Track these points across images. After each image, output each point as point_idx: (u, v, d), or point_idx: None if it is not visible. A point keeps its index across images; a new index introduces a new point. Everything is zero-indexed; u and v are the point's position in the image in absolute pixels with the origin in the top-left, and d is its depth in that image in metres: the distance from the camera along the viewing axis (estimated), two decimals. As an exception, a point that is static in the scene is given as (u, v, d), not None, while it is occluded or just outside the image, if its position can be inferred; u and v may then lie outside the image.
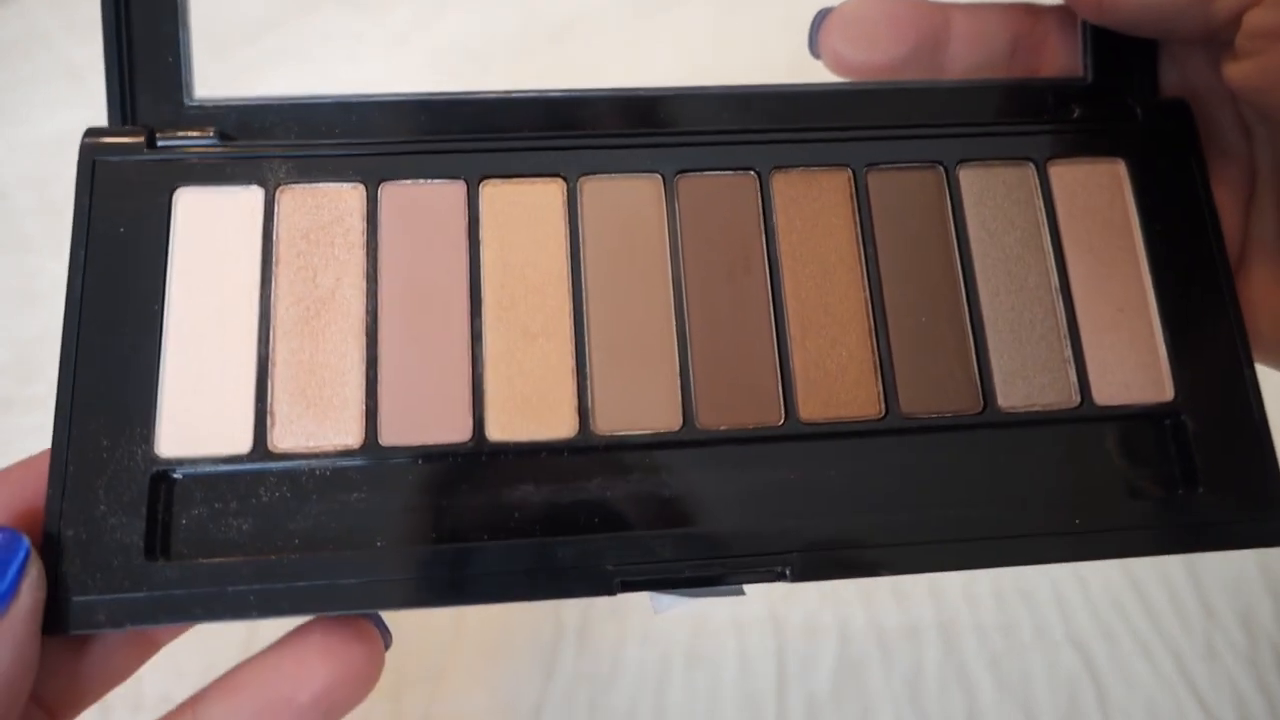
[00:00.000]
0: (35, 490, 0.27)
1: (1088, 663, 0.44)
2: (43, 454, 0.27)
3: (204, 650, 0.35)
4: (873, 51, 0.33)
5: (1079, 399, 0.30)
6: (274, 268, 0.29)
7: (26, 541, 0.25)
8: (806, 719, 0.42)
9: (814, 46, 0.33)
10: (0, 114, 0.51)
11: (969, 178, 0.32)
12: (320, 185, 0.30)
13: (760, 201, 0.31)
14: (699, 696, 0.42)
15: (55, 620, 0.26)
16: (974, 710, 0.43)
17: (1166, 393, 0.30)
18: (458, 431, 0.28)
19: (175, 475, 0.27)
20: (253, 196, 0.30)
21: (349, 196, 0.30)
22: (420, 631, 0.43)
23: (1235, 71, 0.29)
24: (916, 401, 0.30)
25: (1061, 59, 0.34)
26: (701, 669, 0.43)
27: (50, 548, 0.26)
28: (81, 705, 0.28)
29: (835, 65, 0.33)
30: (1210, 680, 0.44)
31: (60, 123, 0.50)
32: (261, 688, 0.27)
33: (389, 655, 0.28)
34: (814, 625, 0.44)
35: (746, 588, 0.28)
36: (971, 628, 0.45)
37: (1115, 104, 0.33)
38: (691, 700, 0.42)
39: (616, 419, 0.29)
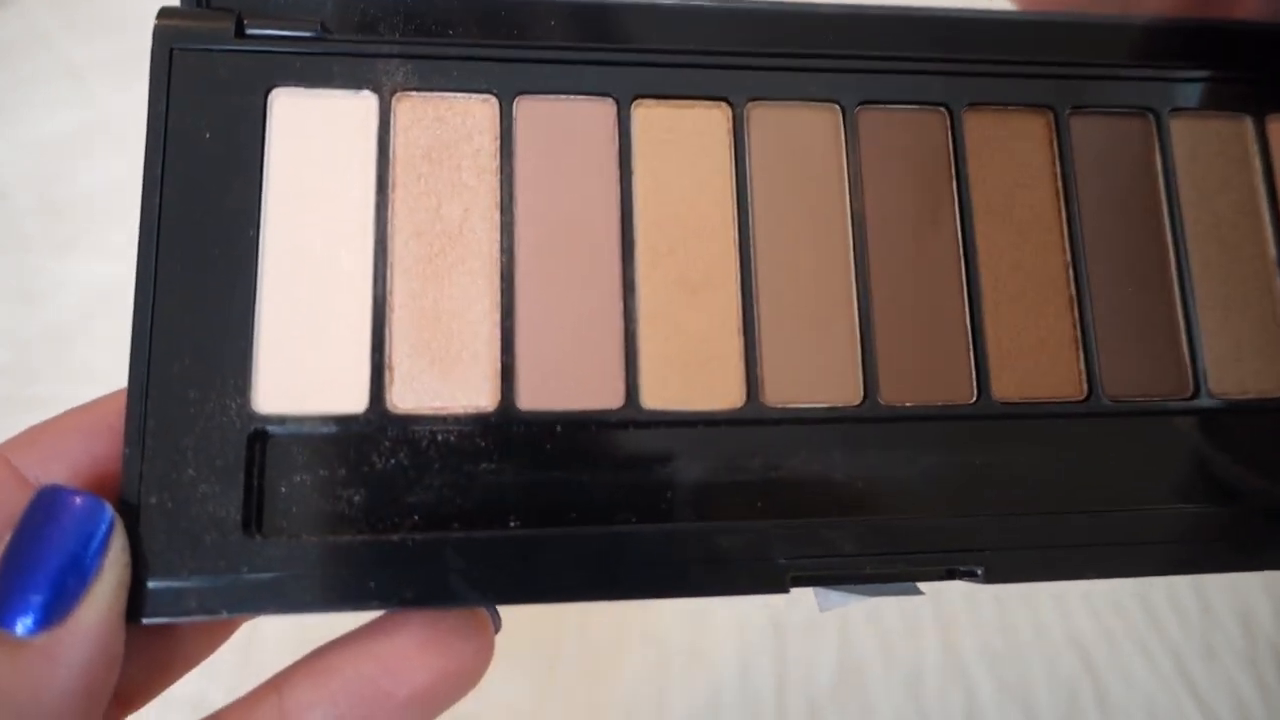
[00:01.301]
0: (110, 447, 0.22)
1: (1087, 663, 0.43)
2: (114, 397, 0.23)
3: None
4: None
5: (1298, 387, 0.27)
6: (390, 192, 0.25)
7: (110, 510, 0.20)
8: (807, 719, 0.41)
9: None
10: (0, 114, 0.50)
11: (1182, 129, 0.28)
12: (445, 95, 0.25)
13: (951, 143, 0.27)
14: (699, 696, 0.42)
15: (135, 606, 0.21)
16: (974, 710, 0.42)
17: (1390, 385, 0.27)
18: (607, 397, 0.24)
19: (276, 434, 0.23)
20: (364, 104, 0.25)
21: (479, 111, 0.25)
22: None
23: None
24: (1122, 383, 0.26)
25: (1264, 2, 0.30)
26: (701, 669, 0.42)
27: (129, 520, 0.22)
28: (151, 694, 0.24)
29: (1024, 4, 0.29)
30: (1209, 680, 0.44)
31: (60, 123, 0.49)
32: (355, 676, 0.22)
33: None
34: (814, 625, 0.44)
35: (924, 586, 0.25)
36: (971, 628, 0.44)
37: (1337, 53, 0.29)
38: (691, 700, 0.42)
39: (788, 389, 0.25)
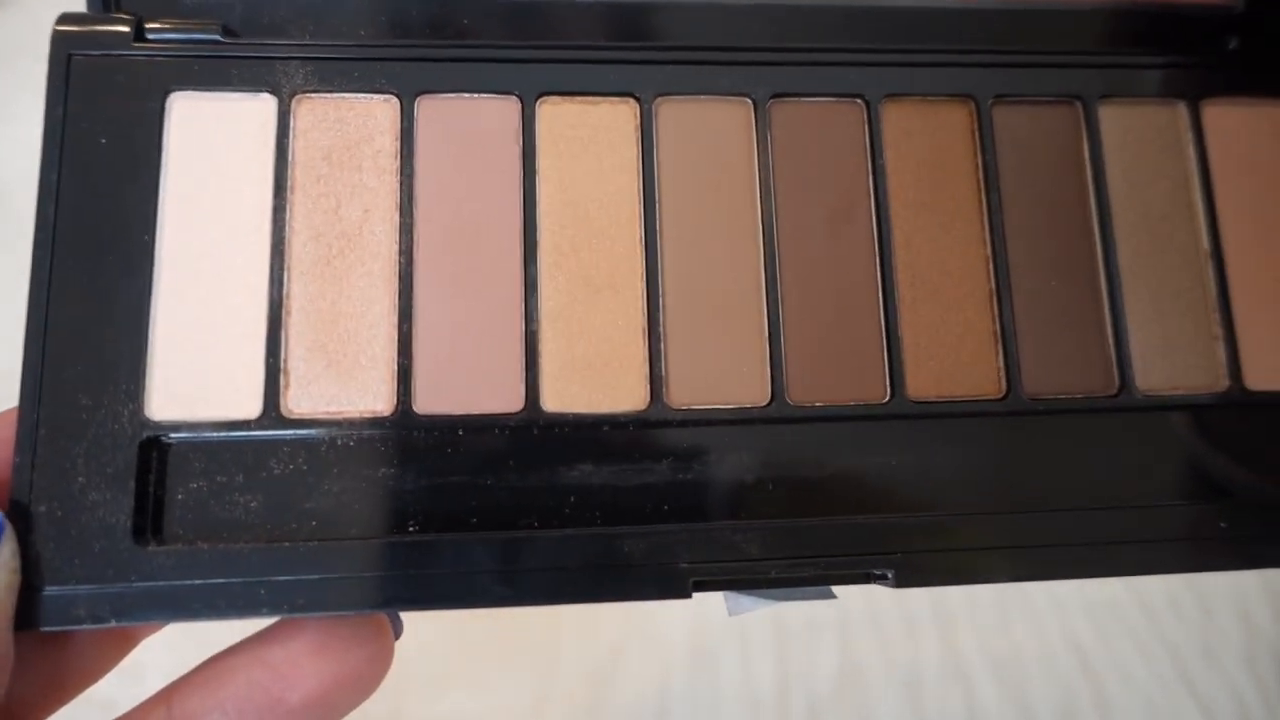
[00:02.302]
0: (6, 455, 0.22)
1: (1086, 663, 0.43)
2: (8, 412, 0.23)
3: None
4: None
5: (1229, 382, 0.26)
6: (289, 194, 0.24)
7: (0, 517, 0.20)
8: (807, 719, 0.41)
9: None
10: (0, 114, 0.49)
11: (1111, 116, 0.27)
12: (346, 96, 0.25)
13: (867, 135, 0.26)
14: (699, 696, 0.41)
15: (26, 614, 0.21)
16: (974, 710, 0.42)
17: (1328, 379, 0.26)
18: (507, 400, 0.24)
19: (170, 441, 0.23)
20: (263, 106, 0.25)
21: (380, 111, 0.25)
22: (421, 630, 0.40)
23: None
24: (1043, 380, 0.25)
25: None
26: (701, 669, 0.42)
27: (20, 527, 0.22)
28: (48, 709, 0.23)
29: None
30: (1208, 680, 0.43)
31: (62, 123, 0.49)
32: (246, 684, 0.22)
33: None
34: (814, 625, 0.43)
35: (838, 589, 0.24)
36: (971, 628, 0.43)
37: (1274, 36, 0.28)
38: (692, 700, 0.41)
39: (694, 390, 0.24)
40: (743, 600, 0.24)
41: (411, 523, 0.23)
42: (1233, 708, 0.42)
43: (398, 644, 0.24)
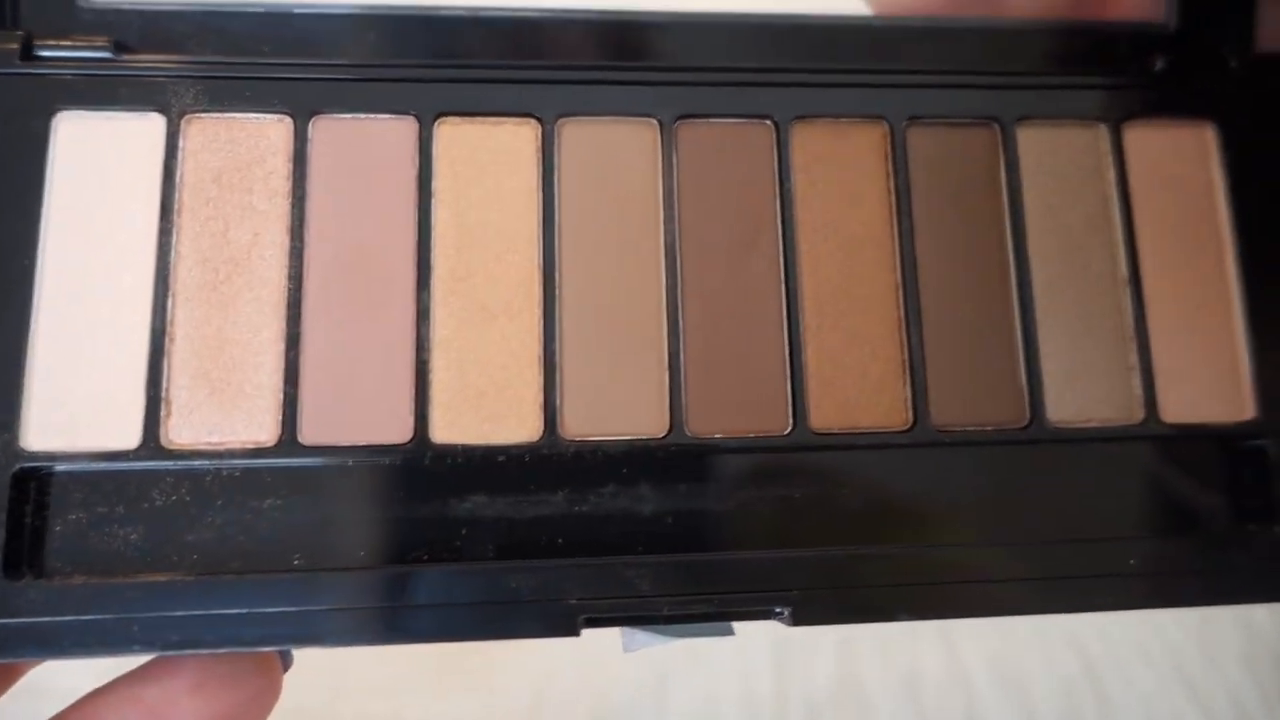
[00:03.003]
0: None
1: (1086, 663, 0.43)
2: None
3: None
4: None
5: (1143, 414, 0.25)
6: (176, 217, 0.24)
7: None
8: (806, 719, 0.41)
9: None
10: None
11: (1029, 139, 0.26)
12: (237, 116, 0.24)
13: (776, 158, 0.25)
14: (699, 697, 0.41)
15: (-111, 650, 0.21)
16: (973, 710, 0.41)
17: (1247, 410, 0.25)
18: (395, 430, 0.23)
19: (47, 472, 0.22)
20: (151, 126, 0.24)
21: (273, 131, 0.24)
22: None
23: None
24: (951, 411, 0.25)
25: (1140, 1, 0.28)
26: (701, 669, 0.42)
27: (-114, 560, 0.21)
28: None
29: (880, 8, 0.27)
30: (1208, 681, 0.43)
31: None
32: None
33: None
34: (813, 628, 0.43)
35: (737, 625, 0.24)
36: (970, 628, 0.43)
37: (1205, 56, 0.27)
38: (691, 700, 0.41)
39: (589, 421, 0.24)
40: (638, 636, 0.24)
41: (296, 556, 0.23)
42: (1232, 710, 0.42)
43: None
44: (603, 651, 0.41)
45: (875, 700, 0.41)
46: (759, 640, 0.42)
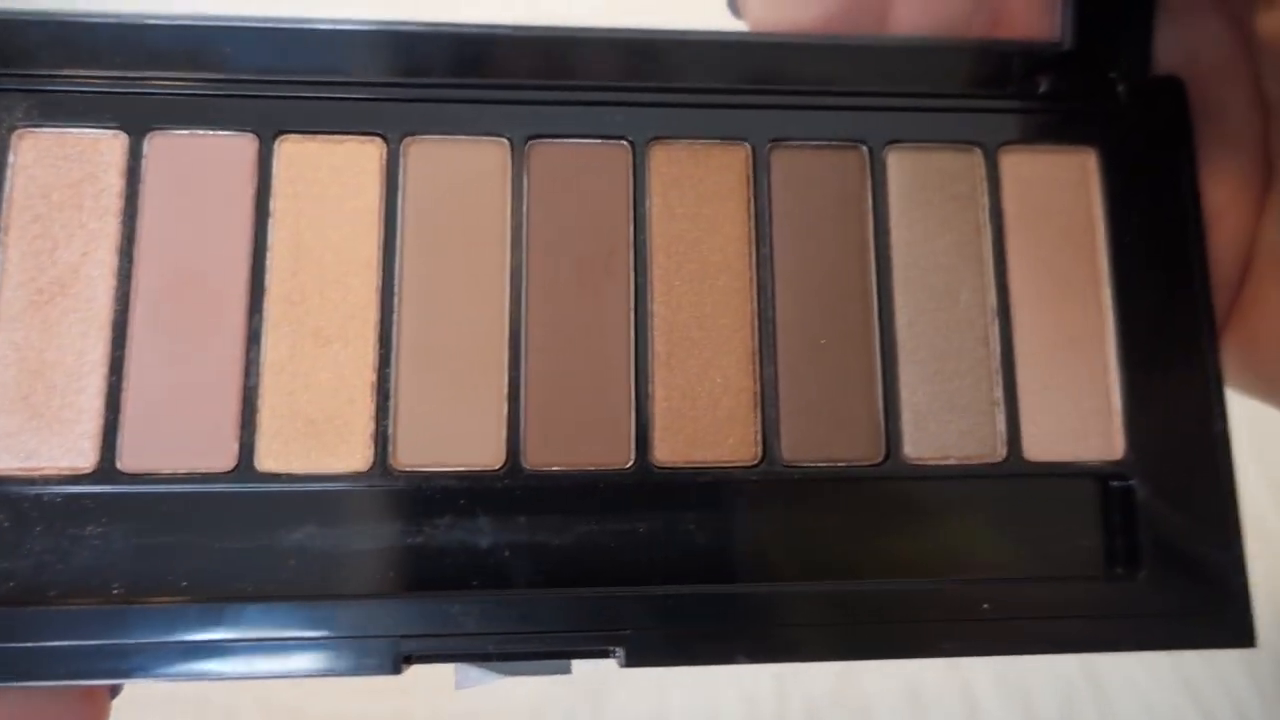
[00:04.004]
0: None
1: (1086, 663, 0.43)
2: None
3: None
4: (797, 7, 0.26)
5: (1005, 452, 0.24)
6: (3, 235, 0.23)
7: None
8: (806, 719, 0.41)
9: (734, 2, 0.26)
10: None
11: (899, 163, 0.25)
12: (70, 131, 0.24)
13: (632, 181, 0.25)
14: (699, 697, 0.41)
15: None
16: (974, 710, 0.42)
17: (1116, 449, 0.24)
18: (220, 458, 0.23)
19: None
20: (-20, 141, 0.23)
21: (106, 147, 0.24)
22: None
23: (1274, 24, 0.22)
24: (803, 446, 0.24)
25: (1036, 20, 0.27)
26: (702, 674, 0.42)
27: None
28: None
29: (757, 24, 0.26)
30: (1207, 681, 0.43)
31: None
32: None
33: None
34: None
35: (575, 664, 0.23)
36: None
37: (1092, 79, 0.26)
38: (691, 701, 0.41)
39: (423, 451, 0.23)
40: (471, 673, 0.23)
41: (116, 586, 0.22)
42: (1232, 710, 0.42)
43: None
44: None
45: (875, 698, 0.41)
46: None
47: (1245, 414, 0.26)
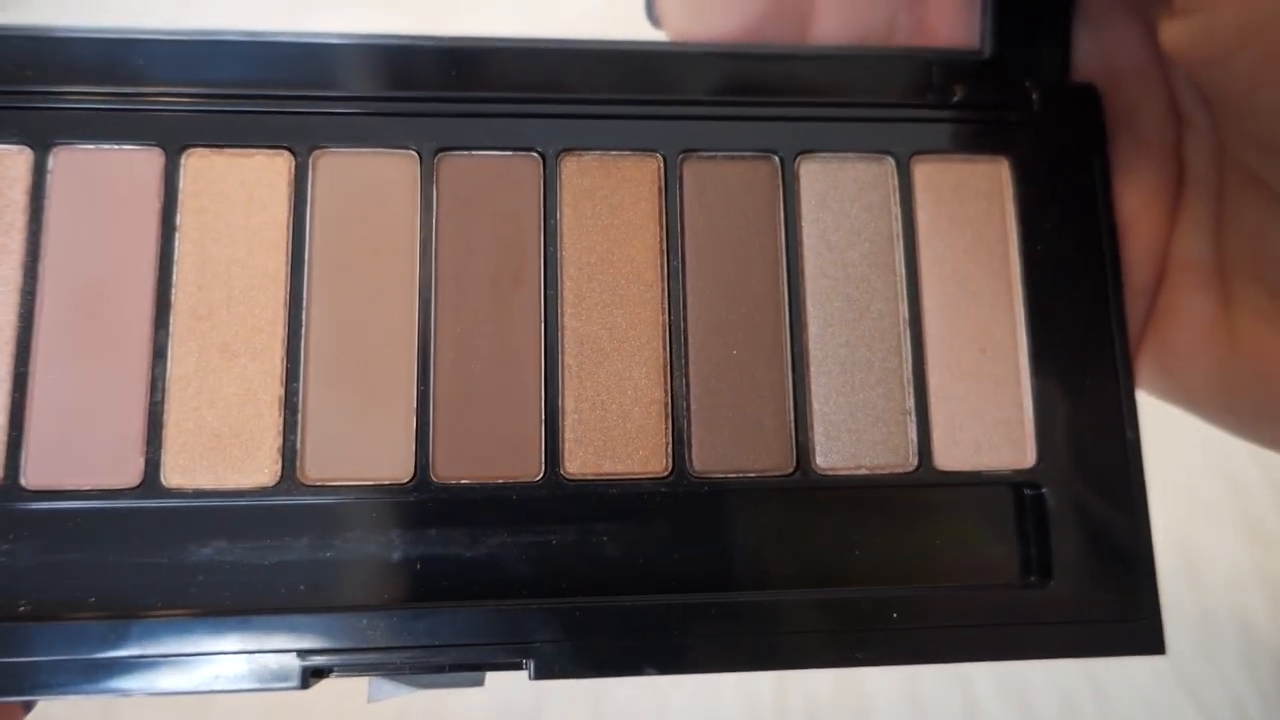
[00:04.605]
0: None
1: (1086, 663, 0.43)
2: None
3: None
4: (718, 17, 0.26)
5: (917, 462, 0.24)
6: (-95, 251, 0.23)
7: None
8: (806, 719, 0.42)
9: (653, 11, 0.26)
10: None
11: (811, 173, 0.25)
12: (-28, 146, 0.24)
13: (542, 192, 0.25)
14: (699, 697, 0.42)
15: None
16: (973, 710, 0.42)
17: (1027, 458, 0.25)
18: (125, 474, 0.23)
19: None
20: (-119, 156, 0.23)
21: (11, 163, 0.24)
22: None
23: (1175, 35, 0.22)
24: (714, 458, 0.24)
25: (959, 29, 0.27)
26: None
27: None
28: None
29: (676, 34, 0.26)
30: (1207, 681, 0.43)
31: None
32: None
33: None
34: None
35: (489, 676, 0.23)
36: None
37: (1007, 87, 0.26)
38: (691, 701, 0.42)
39: (331, 465, 0.23)
40: (384, 686, 0.23)
41: (22, 603, 0.22)
42: (1232, 710, 0.42)
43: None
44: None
45: (874, 698, 0.42)
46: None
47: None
